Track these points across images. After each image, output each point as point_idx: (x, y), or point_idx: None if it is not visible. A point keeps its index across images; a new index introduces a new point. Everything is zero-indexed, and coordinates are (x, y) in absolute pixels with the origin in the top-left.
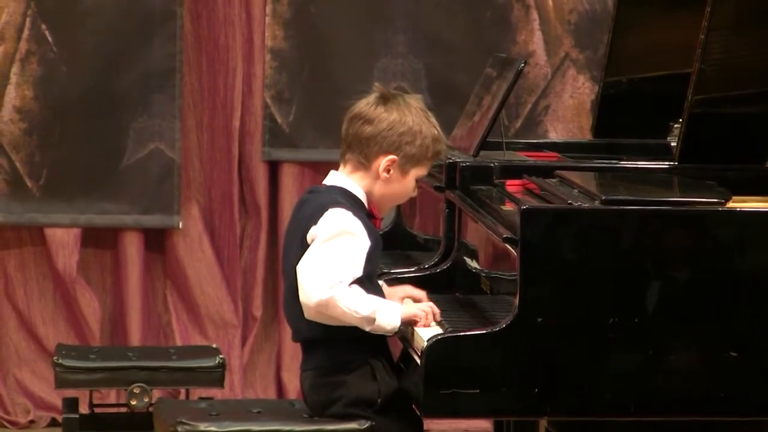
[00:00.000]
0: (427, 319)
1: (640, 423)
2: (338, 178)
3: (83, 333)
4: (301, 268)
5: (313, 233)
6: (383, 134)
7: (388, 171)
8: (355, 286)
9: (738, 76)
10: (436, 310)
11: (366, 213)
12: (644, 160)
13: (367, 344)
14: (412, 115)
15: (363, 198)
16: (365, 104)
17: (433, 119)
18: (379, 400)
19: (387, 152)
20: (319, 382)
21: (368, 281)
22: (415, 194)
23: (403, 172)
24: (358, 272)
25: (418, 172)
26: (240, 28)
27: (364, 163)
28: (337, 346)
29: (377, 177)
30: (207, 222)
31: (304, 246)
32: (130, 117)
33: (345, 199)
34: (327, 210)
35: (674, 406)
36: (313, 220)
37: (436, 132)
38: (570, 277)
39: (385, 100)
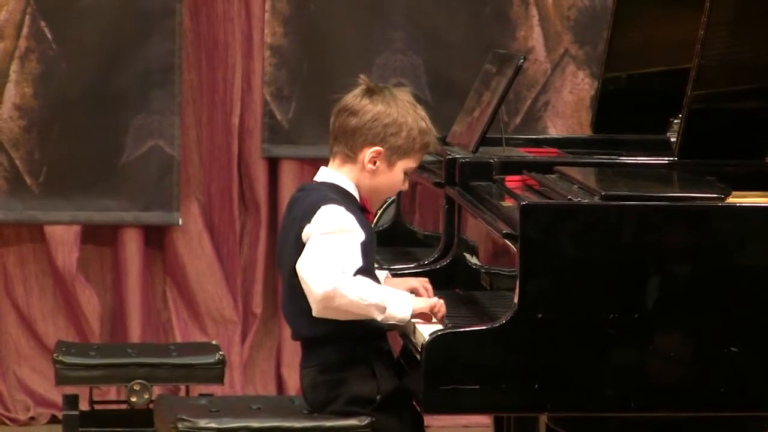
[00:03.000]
0: (436, 313)
1: (641, 418)
2: (328, 173)
3: (83, 330)
4: (301, 265)
5: (307, 232)
6: (368, 126)
7: (374, 163)
8: (360, 276)
9: (737, 72)
10: (443, 310)
11: (358, 207)
12: (644, 155)
13: (367, 342)
14: (398, 107)
15: (354, 192)
16: (351, 97)
17: (421, 111)
18: (378, 398)
19: (372, 144)
20: (318, 380)
21: (367, 274)
22: (405, 188)
23: (390, 164)
24: (358, 263)
25: (405, 164)
26: (239, 24)
27: (350, 156)
28: (337, 345)
29: (364, 169)
30: (207, 219)
31: (299, 245)
32: (129, 114)
33: (336, 194)
34: (320, 207)
35: (674, 401)
36: (307, 218)
37: (423, 124)
38: (570, 273)
39: (370, 92)
